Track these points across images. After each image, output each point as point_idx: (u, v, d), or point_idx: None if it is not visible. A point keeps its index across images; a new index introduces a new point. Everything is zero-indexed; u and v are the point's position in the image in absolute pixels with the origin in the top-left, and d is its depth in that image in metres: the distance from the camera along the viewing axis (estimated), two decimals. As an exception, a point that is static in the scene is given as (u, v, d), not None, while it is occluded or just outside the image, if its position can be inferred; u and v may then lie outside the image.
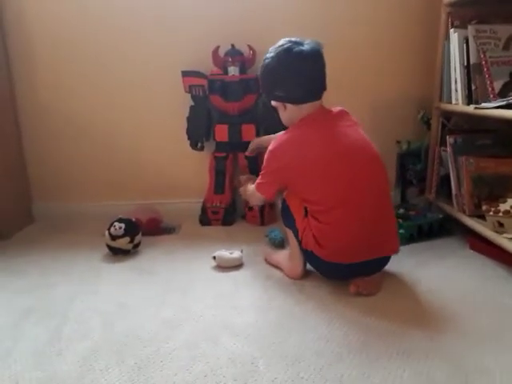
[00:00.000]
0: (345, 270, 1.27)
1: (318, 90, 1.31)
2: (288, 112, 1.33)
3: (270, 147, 1.33)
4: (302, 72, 1.27)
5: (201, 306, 1.24)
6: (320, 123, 1.29)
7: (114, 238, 1.56)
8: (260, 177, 1.37)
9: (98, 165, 2.02)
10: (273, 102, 1.36)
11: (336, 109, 1.34)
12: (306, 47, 1.26)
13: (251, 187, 1.44)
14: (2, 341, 1.10)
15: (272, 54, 1.29)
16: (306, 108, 1.30)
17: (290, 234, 1.38)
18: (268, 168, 1.34)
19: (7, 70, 1.89)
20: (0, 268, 1.52)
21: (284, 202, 1.38)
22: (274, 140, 1.33)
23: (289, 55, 1.26)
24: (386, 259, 1.33)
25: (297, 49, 1.25)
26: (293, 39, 1.28)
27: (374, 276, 1.31)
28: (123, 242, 1.56)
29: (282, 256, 1.46)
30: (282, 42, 1.29)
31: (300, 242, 1.32)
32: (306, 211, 1.30)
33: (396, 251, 1.33)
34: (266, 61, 1.30)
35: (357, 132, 1.30)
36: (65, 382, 0.95)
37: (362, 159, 1.26)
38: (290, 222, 1.36)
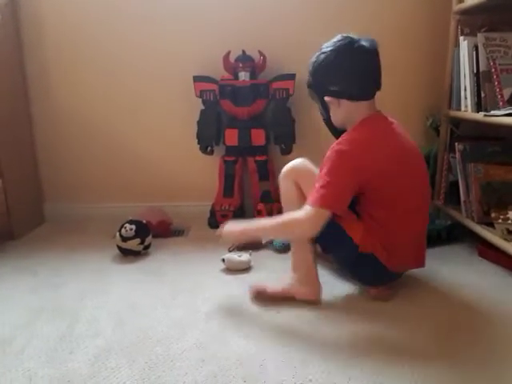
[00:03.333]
0: (391, 276, 1.29)
1: (374, 86, 1.27)
2: (342, 109, 1.25)
3: (337, 146, 1.20)
4: (361, 66, 1.23)
5: (210, 307, 1.26)
6: (384, 125, 1.26)
7: (124, 239, 1.58)
8: (323, 186, 1.16)
9: (109, 167, 2.05)
10: (326, 98, 1.27)
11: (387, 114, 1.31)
12: (365, 43, 1.21)
13: (296, 213, 1.18)
14: (14, 338, 1.12)
15: (330, 48, 1.23)
16: (364, 107, 1.25)
17: (300, 252, 1.30)
18: (339, 170, 1.17)
19: (22, 75, 1.93)
20: (11, 267, 1.55)
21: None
22: (340, 140, 1.22)
23: (350, 49, 1.21)
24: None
25: (358, 43, 1.21)
26: (350, 35, 1.23)
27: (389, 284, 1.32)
28: (134, 244, 1.58)
29: (288, 283, 1.31)
30: (339, 37, 1.24)
31: (357, 248, 1.22)
32: (357, 214, 1.24)
33: (424, 265, 1.34)
34: (323, 55, 1.24)
35: (408, 137, 1.29)
36: (77, 379, 0.96)
37: (420, 165, 1.29)
38: (336, 236, 1.23)
